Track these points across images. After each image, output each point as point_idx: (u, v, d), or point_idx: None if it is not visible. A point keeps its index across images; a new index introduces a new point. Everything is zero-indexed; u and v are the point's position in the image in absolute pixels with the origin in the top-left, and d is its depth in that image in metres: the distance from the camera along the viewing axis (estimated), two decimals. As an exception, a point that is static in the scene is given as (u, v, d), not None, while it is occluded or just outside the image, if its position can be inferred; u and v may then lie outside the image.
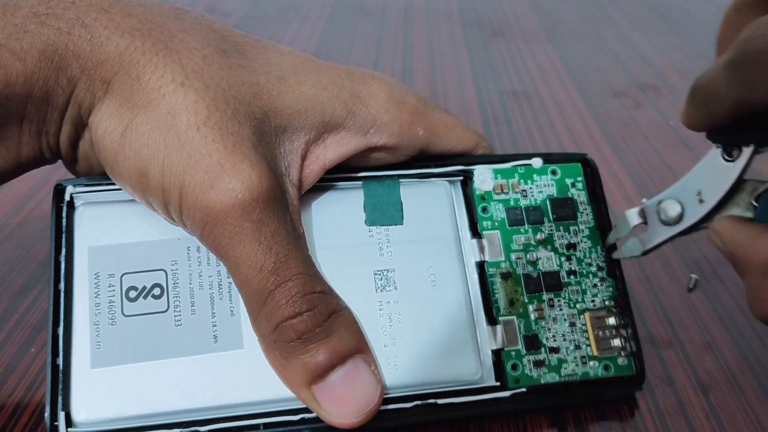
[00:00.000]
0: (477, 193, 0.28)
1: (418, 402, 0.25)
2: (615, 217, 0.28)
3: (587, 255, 0.28)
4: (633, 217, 0.27)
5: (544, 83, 0.57)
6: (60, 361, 0.23)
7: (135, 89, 0.23)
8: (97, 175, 0.26)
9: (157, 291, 0.25)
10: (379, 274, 0.26)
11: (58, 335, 0.24)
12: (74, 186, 0.25)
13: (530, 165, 0.29)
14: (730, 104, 0.22)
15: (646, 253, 0.26)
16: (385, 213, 0.27)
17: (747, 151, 0.23)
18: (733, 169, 0.23)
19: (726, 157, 0.24)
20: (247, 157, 0.23)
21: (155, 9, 0.25)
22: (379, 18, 0.71)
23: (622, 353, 0.27)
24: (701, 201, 0.24)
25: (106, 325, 0.24)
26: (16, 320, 0.30)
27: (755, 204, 0.23)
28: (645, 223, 0.26)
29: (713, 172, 0.24)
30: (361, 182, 0.27)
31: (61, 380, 0.23)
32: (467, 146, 0.29)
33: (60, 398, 0.23)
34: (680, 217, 0.25)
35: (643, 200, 0.27)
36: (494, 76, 0.58)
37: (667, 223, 0.25)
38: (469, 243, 0.27)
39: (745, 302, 0.32)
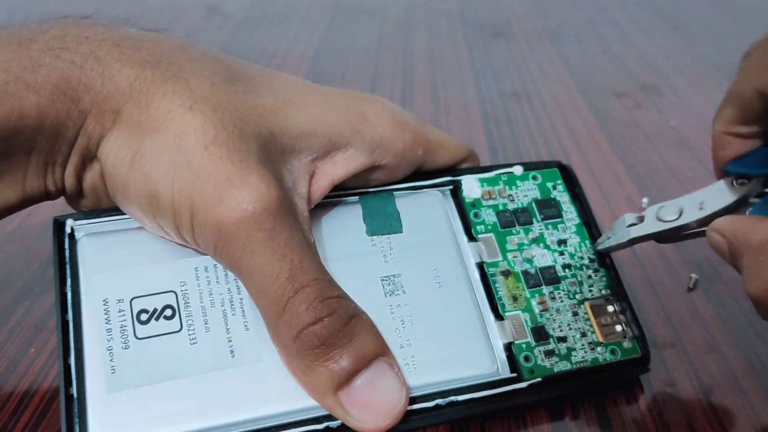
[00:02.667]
0: (467, 200, 0.29)
1: (439, 400, 0.25)
2: (614, 218, 0.29)
3: (578, 249, 0.29)
4: (629, 218, 0.28)
5: (545, 84, 0.57)
6: (74, 390, 0.23)
7: (144, 116, 0.24)
8: (95, 210, 0.26)
9: (168, 312, 0.25)
10: (387, 280, 0.27)
11: (69, 365, 0.23)
12: (74, 219, 0.26)
13: (512, 173, 0.31)
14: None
15: (633, 242, 0.27)
16: (384, 223, 0.28)
17: (756, 182, 0.25)
18: (739, 191, 0.25)
19: (736, 183, 0.26)
20: (254, 171, 0.23)
21: (164, 43, 0.26)
22: (380, 19, 0.71)
23: (626, 337, 0.28)
24: (701, 208, 0.26)
25: (119, 349, 0.24)
26: (16, 320, 0.30)
27: (753, 201, 0.25)
28: (638, 223, 0.28)
29: (719, 192, 0.26)
30: (357, 197, 0.28)
31: (76, 409, 0.23)
32: (456, 161, 0.30)
33: (77, 427, 0.23)
34: (678, 217, 0.26)
35: (643, 200, 0.28)
36: (495, 77, 0.58)
37: (662, 220, 0.27)
38: (467, 246, 0.28)
39: (747, 303, 0.32)
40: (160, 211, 0.24)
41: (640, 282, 0.34)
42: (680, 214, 0.26)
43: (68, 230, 0.26)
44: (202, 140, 0.23)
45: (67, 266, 0.25)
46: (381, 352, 0.24)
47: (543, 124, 0.50)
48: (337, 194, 0.28)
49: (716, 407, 0.27)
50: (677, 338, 0.31)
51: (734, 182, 0.26)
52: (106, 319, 0.24)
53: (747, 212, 0.25)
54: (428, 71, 0.59)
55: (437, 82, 0.57)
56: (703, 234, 0.26)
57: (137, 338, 0.24)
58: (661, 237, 0.27)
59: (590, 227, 0.30)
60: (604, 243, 0.29)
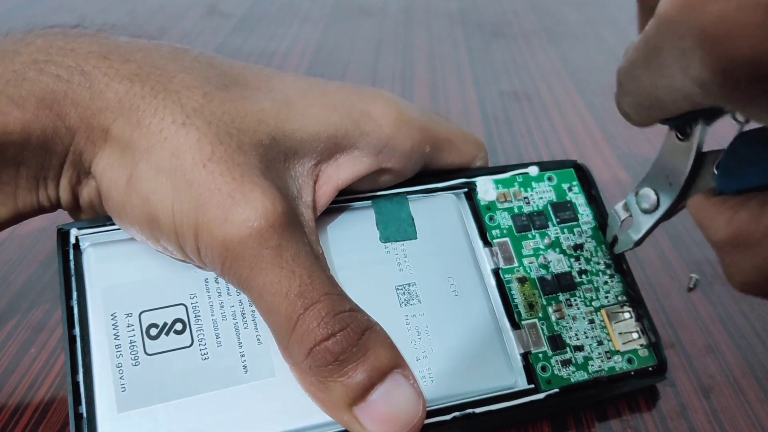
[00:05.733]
0: (482, 203, 0.29)
1: (457, 413, 0.24)
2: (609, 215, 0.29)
3: (594, 254, 0.29)
4: (620, 211, 0.28)
5: (545, 84, 0.57)
6: (83, 409, 0.22)
7: (136, 135, 0.23)
8: (99, 218, 0.25)
9: (179, 326, 0.24)
10: (401, 289, 0.26)
11: (78, 382, 0.23)
12: (78, 228, 0.25)
13: (527, 173, 0.30)
14: (640, 123, 0.23)
15: (638, 243, 0.27)
16: (398, 229, 0.27)
17: (697, 128, 0.24)
18: (690, 147, 0.24)
19: (680, 137, 0.25)
20: (257, 185, 0.22)
21: (154, 52, 0.25)
22: (379, 19, 0.71)
23: (642, 345, 0.27)
24: (670, 184, 0.25)
25: (129, 366, 0.23)
26: (16, 320, 0.30)
27: (716, 173, 0.24)
28: (631, 215, 0.27)
29: (674, 154, 0.25)
30: (369, 202, 0.28)
31: (86, 429, 0.22)
32: (466, 159, 0.29)
33: None
34: (657, 204, 0.26)
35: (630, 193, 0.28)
36: (494, 77, 0.58)
37: (646, 211, 0.26)
38: (482, 252, 0.28)
39: (746, 304, 0.33)
40: (162, 233, 0.23)
41: (639, 282, 0.33)
42: (657, 196, 0.26)
43: (72, 240, 0.25)
44: (199, 158, 0.22)
45: (73, 278, 0.24)
46: (396, 364, 0.23)
47: (542, 124, 0.50)
48: (348, 198, 0.27)
49: (715, 407, 0.27)
50: (677, 338, 0.31)
51: (677, 136, 0.25)
52: (114, 334, 0.23)
53: (714, 173, 0.24)
54: (428, 71, 0.59)
55: (437, 82, 0.57)
56: None
57: (147, 354, 0.23)
58: (657, 225, 0.27)
59: (606, 230, 0.29)
60: (617, 248, 0.29)
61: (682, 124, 0.24)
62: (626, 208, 0.27)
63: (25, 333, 0.29)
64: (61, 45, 0.24)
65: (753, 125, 0.23)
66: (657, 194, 0.26)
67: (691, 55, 0.17)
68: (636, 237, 0.27)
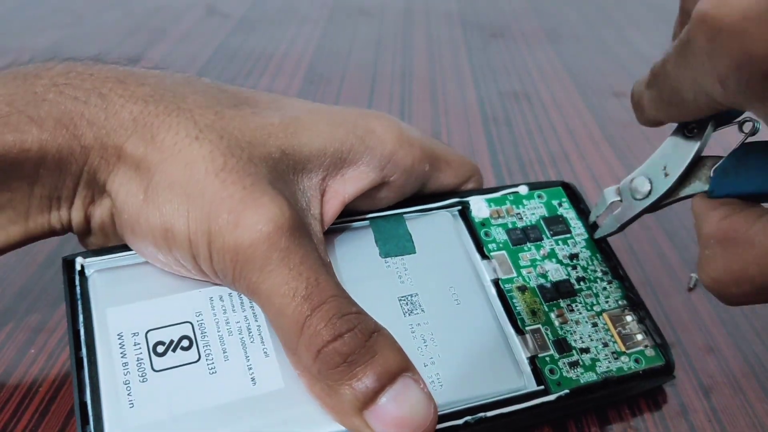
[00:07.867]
0: (476, 220, 0.30)
1: (468, 418, 0.24)
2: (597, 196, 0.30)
3: (590, 263, 0.30)
4: (610, 194, 0.29)
5: (545, 84, 0.57)
6: (91, 427, 0.22)
7: (150, 150, 0.24)
8: (103, 248, 0.26)
9: (185, 343, 0.24)
10: (404, 300, 0.27)
11: (85, 402, 0.23)
12: (83, 257, 0.26)
13: (518, 192, 0.31)
14: (652, 119, 0.24)
15: (621, 228, 0.29)
16: (396, 244, 0.28)
17: (706, 129, 0.25)
18: (693, 145, 0.25)
19: (687, 134, 0.26)
20: (266, 193, 0.23)
21: (168, 78, 0.26)
22: (379, 19, 0.71)
23: (647, 345, 0.27)
24: (666, 175, 0.26)
25: (136, 383, 0.23)
26: (15, 321, 0.30)
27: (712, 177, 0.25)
28: (621, 200, 0.28)
29: (676, 149, 0.26)
30: (368, 222, 0.29)
31: None
32: (461, 180, 0.31)
33: None
34: (650, 192, 0.27)
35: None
36: (494, 77, 0.58)
37: (638, 197, 0.27)
38: (480, 264, 0.29)
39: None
40: (176, 243, 0.23)
41: (639, 282, 0.34)
42: (651, 185, 0.27)
43: (78, 267, 0.25)
44: (212, 168, 0.23)
45: (79, 302, 0.25)
46: (405, 367, 0.23)
47: (542, 125, 0.50)
48: (348, 219, 0.28)
49: (715, 407, 0.27)
50: (677, 338, 0.31)
51: (685, 132, 0.26)
52: (121, 353, 0.24)
53: (707, 186, 0.25)
54: (427, 72, 0.59)
55: (436, 83, 0.57)
56: (680, 200, 0.26)
57: (154, 370, 0.23)
58: (643, 214, 0.28)
59: (599, 241, 0.30)
60: (599, 232, 0.30)
61: (690, 123, 0.25)
62: (618, 192, 0.29)
63: (24, 334, 0.29)
64: (80, 70, 0.25)
65: (758, 138, 0.23)
66: (651, 183, 0.27)
67: (717, 51, 0.18)
68: (622, 221, 0.28)
